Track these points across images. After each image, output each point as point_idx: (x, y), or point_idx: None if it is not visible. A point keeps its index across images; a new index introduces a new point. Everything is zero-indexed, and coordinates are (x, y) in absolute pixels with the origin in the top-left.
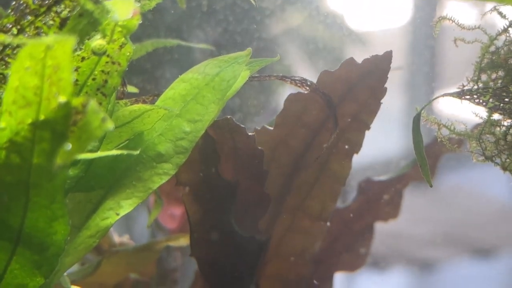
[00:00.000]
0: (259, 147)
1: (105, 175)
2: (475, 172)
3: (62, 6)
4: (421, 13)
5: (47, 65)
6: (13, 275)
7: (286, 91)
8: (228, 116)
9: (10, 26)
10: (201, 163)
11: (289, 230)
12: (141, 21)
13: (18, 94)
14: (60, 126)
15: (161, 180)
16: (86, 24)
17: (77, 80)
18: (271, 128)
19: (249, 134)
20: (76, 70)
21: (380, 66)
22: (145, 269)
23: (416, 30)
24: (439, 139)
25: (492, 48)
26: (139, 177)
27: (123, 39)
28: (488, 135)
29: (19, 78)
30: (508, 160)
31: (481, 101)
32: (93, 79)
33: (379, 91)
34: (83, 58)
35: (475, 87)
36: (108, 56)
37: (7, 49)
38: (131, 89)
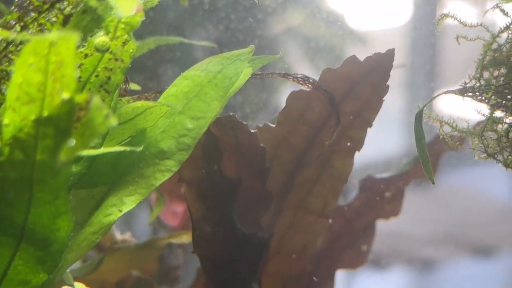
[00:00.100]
0: (261, 144)
1: (108, 171)
2: (476, 172)
3: (65, 3)
4: (422, 13)
5: (50, 62)
6: (16, 271)
7: (288, 89)
8: (231, 113)
9: (14, 23)
10: (204, 160)
11: (291, 227)
12: (143, 19)
13: (22, 90)
14: (63, 122)
15: (163, 177)
16: (89, 20)
17: (80, 77)
18: (273, 126)
19: (251, 131)
20: (79, 67)
21: (382, 64)
22: (147, 266)
23: (417, 30)
24: (441, 136)
25: (494, 46)
26: (141, 173)
27: (126, 35)
28: (490, 132)
29: (22, 75)
30: (510, 157)
31: (483, 98)
32: (96, 76)
33: (382, 89)
34: (86, 55)
35: (477, 84)
36: (111, 53)
37: (10, 46)
38: (133, 86)
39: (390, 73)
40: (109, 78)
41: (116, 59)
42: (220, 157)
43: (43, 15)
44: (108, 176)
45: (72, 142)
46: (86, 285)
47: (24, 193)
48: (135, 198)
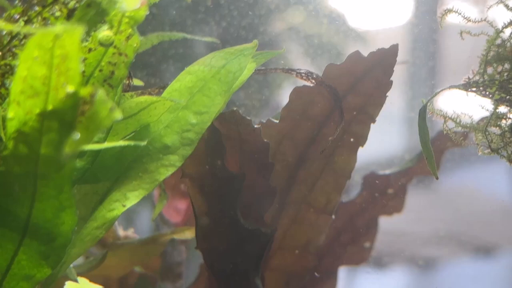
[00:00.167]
0: (265, 140)
1: (111, 166)
2: (477, 171)
3: None
4: (422, 12)
5: (55, 55)
6: (20, 265)
7: (291, 85)
8: (234, 108)
9: (18, 17)
10: (207, 156)
11: (294, 222)
12: (146, 15)
13: (26, 84)
14: (68, 116)
15: (167, 172)
16: (93, 14)
17: (84, 72)
18: (277, 121)
19: (255, 126)
20: (83, 61)
21: (386, 59)
22: (150, 262)
23: (417, 29)
24: (444, 132)
25: (498, 41)
26: (145, 168)
27: (130, 30)
28: (494, 128)
29: (27, 68)
30: None
31: (487, 93)
32: (100, 70)
33: (385, 84)
34: (90, 49)
35: (481, 79)
36: (115, 47)
37: (14, 40)
38: (136, 82)
39: (394, 69)
40: (113, 72)
41: (120, 54)
42: (224, 152)
43: (47, 9)
44: (112, 171)
45: (77, 135)
46: (90, 281)
47: (28, 187)
48: (139, 193)
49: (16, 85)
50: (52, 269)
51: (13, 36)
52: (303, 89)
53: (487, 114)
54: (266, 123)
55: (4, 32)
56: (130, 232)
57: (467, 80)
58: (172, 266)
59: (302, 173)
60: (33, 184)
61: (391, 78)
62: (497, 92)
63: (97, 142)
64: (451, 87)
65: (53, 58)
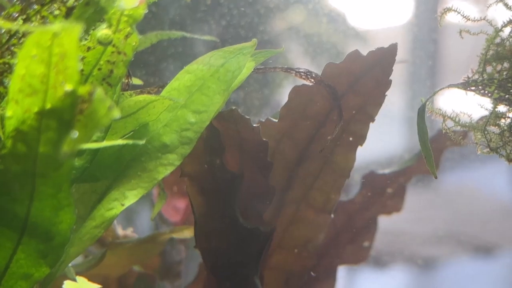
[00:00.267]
0: (264, 139)
1: (110, 165)
2: (477, 170)
3: None
4: (422, 12)
5: (53, 53)
6: (18, 264)
7: (290, 84)
8: (233, 107)
9: (16, 15)
10: (206, 154)
11: (293, 221)
12: (144, 14)
13: (25, 82)
14: (66, 114)
15: (166, 171)
16: (92, 13)
17: (82, 70)
18: (276, 120)
19: (254, 125)
20: (81, 60)
21: (385, 58)
22: (149, 261)
23: (417, 29)
24: (444, 131)
25: (497, 40)
26: (144, 167)
27: (129, 28)
28: (493, 127)
29: (25, 66)
30: None
31: (486, 92)
32: (99, 69)
33: (384, 84)
34: (88, 48)
35: (480, 78)
36: (113, 46)
37: (13, 38)
38: (135, 81)
39: (393, 68)
40: (111, 71)
41: (119, 52)
42: (223, 151)
43: (45, 7)
44: (110, 170)
45: (75, 134)
46: (88, 280)
47: (26, 186)
48: (138, 192)
49: (14, 83)
50: (50, 268)
51: (11, 34)
52: (302, 88)
53: (486, 113)
54: (265, 122)
55: (3, 31)
56: (129, 231)
57: (466, 79)
58: (171, 265)
59: (301, 172)
60: (32, 183)
61: (390, 78)
62: (496, 91)
63: (96, 141)
64: (450, 86)
65: (51, 57)
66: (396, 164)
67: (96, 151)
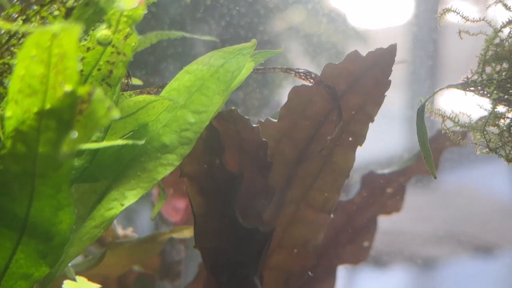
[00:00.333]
0: (264, 139)
1: (110, 165)
2: (477, 170)
3: None
4: (423, 12)
5: (53, 54)
6: (18, 264)
7: (290, 85)
8: (233, 108)
9: (16, 16)
10: (206, 155)
11: (292, 221)
12: (144, 14)
13: (24, 82)
14: (66, 115)
15: (165, 171)
16: (91, 13)
17: (82, 71)
18: (275, 121)
19: (254, 125)
20: (81, 60)
21: (384, 59)
22: (149, 261)
23: (418, 28)
24: (443, 131)
25: (497, 40)
26: (143, 167)
27: (128, 29)
28: (492, 127)
29: (25, 67)
30: None
31: (485, 92)
32: (98, 69)
33: (383, 84)
34: (88, 49)
35: (479, 79)
36: (113, 46)
37: (13, 39)
38: (135, 81)
39: (392, 68)
40: (111, 71)
41: (118, 53)
42: (222, 151)
43: (45, 8)
44: (110, 170)
45: (75, 134)
46: (88, 280)
47: (26, 186)
48: (137, 192)
49: (14, 84)
50: (50, 268)
51: (11, 35)
52: (301, 88)
53: (485, 113)
54: (264, 122)
55: (3, 31)
56: (129, 231)
57: (465, 79)
58: (171, 265)
59: (301, 172)
60: (31, 183)
61: (390, 78)
62: (495, 92)
63: (96, 141)
64: (449, 86)
65: (51, 57)
66: (396, 164)
67: (96, 151)
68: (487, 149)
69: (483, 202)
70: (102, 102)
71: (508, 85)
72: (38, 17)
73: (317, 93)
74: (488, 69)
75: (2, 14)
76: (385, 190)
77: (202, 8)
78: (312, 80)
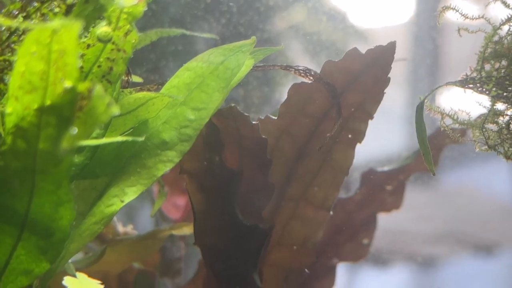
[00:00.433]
0: (263, 136)
1: (110, 162)
2: (477, 169)
3: None
4: (424, 9)
5: (53, 50)
6: (19, 260)
7: (290, 82)
8: (232, 105)
9: (16, 12)
10: (205, 152)
11: (292, 218)
12: (144, 12)
13: (25, 79)
14: (66, 111)
15: (165, 168)
16: (92, 10)
17: (82, 67)
18: (275, 118)
19: (253, 123)
20: (81, 57)
21: (383, 56)
22: (149, 258)
23: (419, 27)
24: (442, 128)
25: (496, 38)
26: (143, 164)
27: (128, 26)
28: (491, 125)
29: (25, 63)
30: (511, 149)
31: (484, 89)
32: (99, 66)
33: (383, 81)
34: (88, 45)
35: (478, 76)
36: (113, 43)
37: (13, 36)
38: (136, 78)
39: (391, 66)
40: (111, 68)
41: (119, 50)
42: (222, 148)
43: (45, 5)
44: (110, 167)
45: (74, 130)
46: (88, 276)
47: (26, 182)
48: (137, 188)
49: (14, 80)
50: (50, 263)
51: (12, 31)
52: (301, 85)
53: (484, 111)
54: (264, 119)
55: (3, 28)
56: (129, 228)
57: (465, 77)
58: (171, 262)
59: (300, 169)
60: (32, 179)
61: (389, 75)
62: (494, 89)
63: (96, 137)
64: (447, 84)
65: (51, 54)
66: (396, 162)
67: (96, 148)
68: (486, 146)
69: (483, 202)
70: (102, 98)
71: (507, 83)
72: (38, 14)
73: (316, 90)
74: (487, 67)
75: (3, 11)
76: (385, 188)
77: (203, 5)
78: (311, 78)
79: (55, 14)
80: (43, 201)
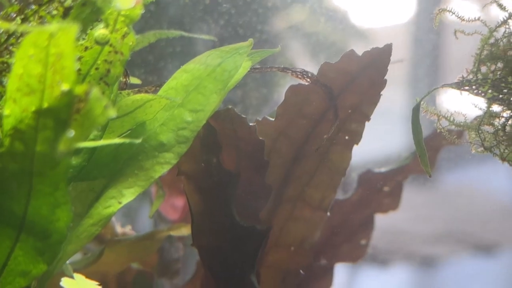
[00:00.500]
0: (260, 138)
1: (107, 164)
2: (477, 169)
3: None
4: (424, 10)
5: (50, 53)
6: (16, 261)
7: (288, 83)
8: (230, 107)
9: (14, 15)
10: (203, 153)
11: (289, 219)
12: (143, 13)
13: (22, 81)
14: (63, 114)
15: (163, 169)
16: (89, 13)
17: (80, 70)
18: (272, 119)
19: (250, 124)
20: (79, 59)
21: (380, 58)
22: (147, 259)
23: (419, 27)
24: (438, 130)
25: (492, 40)
26: (141, 166)
27: (126, 28)
28: (487, 126)
29: (23, 66)
30: (506, 150)
31: (480, 92)
32: (96, 68)
33: (379, 83)
34: (86, 48)
35: (474, 78)
36: (111, 45)
37: (11, 38)
38: (134, 80)
39: (388, 68)
40: (108, 70)
41: (116, 52)
42: (219, 150)
43: (43, 7)
44: (107, 169)
45: (72, 133)
46: (87, 277)
47: (24, 184)
48: (135, 190)
49: (12, 82)
50: (48, 265)
51: (10, 34)
52: (298, 87)
53: (481, 112)
54: (261, 121)
55: (1, 31)
56: (128, 229)
57: (461, 79)
58: (169, 262)
59: (298, 171)
60: (29, 181)
61: (386, 77)
62: (489, 91)
63: (93, 139)
64: (443, 85)
65: (48, 57)
66: (394, 163)
67: (93, 150)
68: (482, 148)
69: (483, 202)
70: (99, 101)
71: (503, 85)
72: (36, 16)
73: (313, 92)
74: (483, 69)
75: (1, 13)
76: (382, 189)
77: (201, 7)
78: (308, 79)
79: (53, 16)
80: (40, 203)
